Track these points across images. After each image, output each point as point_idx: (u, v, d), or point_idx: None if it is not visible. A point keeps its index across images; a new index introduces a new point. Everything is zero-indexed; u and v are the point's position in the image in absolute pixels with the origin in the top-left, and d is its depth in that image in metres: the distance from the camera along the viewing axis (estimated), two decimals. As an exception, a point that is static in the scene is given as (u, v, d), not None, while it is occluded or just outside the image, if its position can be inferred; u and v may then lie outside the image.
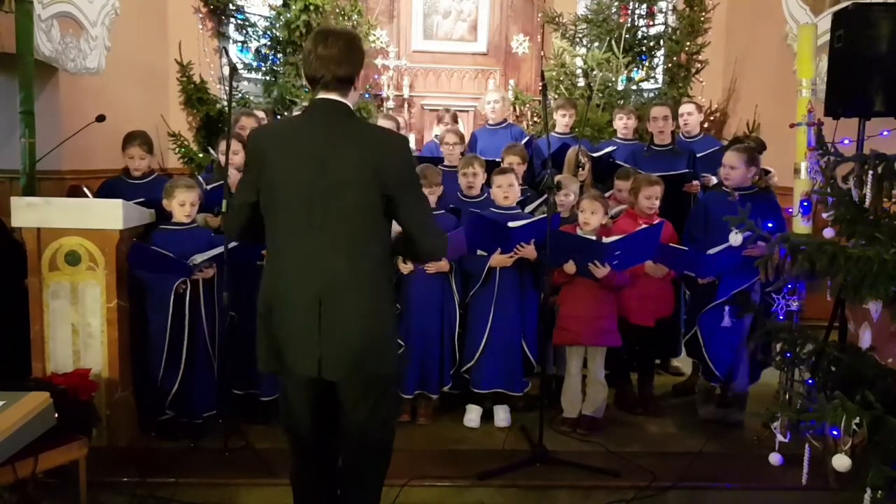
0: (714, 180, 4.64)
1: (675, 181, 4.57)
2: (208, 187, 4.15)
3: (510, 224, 3.79)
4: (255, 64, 7.26)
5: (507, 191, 4.00)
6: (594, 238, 3.82)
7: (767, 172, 4.73)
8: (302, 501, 2.59)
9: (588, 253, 3.75)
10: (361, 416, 2.44)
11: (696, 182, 4.78)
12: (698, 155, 4.95)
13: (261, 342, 2.44)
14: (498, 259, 3.89)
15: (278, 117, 6.44)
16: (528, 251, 3.87)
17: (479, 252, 3.93)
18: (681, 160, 4.88)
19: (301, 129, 2.40)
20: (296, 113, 6.36)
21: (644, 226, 3.95)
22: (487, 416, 4.08)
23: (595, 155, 4.95)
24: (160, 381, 3.62)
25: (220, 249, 3.53)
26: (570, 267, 3.79)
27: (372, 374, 2.41)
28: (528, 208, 4.35)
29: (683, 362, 4.90)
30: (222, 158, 3.71)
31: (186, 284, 3.62)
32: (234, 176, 3.74)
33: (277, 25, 6.99)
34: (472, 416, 4.05)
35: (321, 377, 2.35)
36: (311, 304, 2.30)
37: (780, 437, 2.79)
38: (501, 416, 4.03)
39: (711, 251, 3.87)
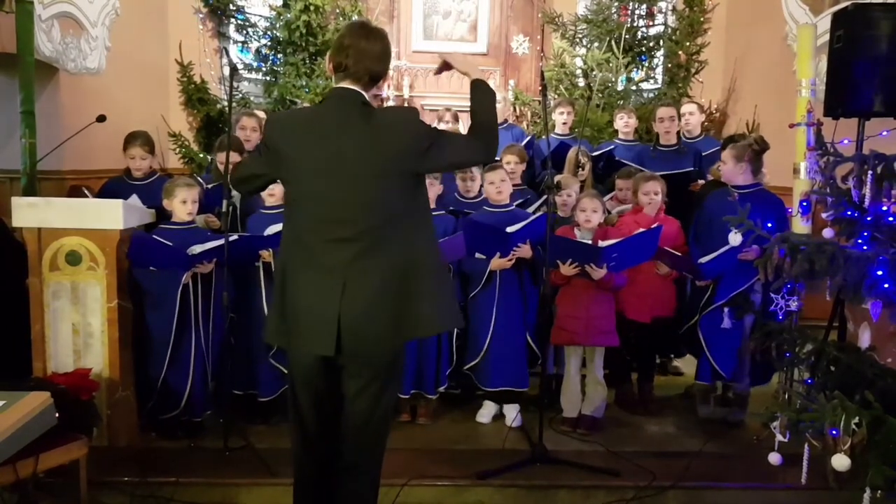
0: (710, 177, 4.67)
1: (680, 180, 4.57)
2: (208, 186, 4.16)
3: (508, 229, 3.80)
4: (255, 64, 7.25)
5: (499, 186, 4.01)
6: (589, 242, 3.82)
7: None
8: (302, 494, 2.59)
9: (584, 256, 3.76)
10: (366, 402, 2.45)
11: (700, 181, 4.79)
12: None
13: (270, 316, 2.52)
14: (498, 263, 3.90)
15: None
16: (524, 251, 3.88)
17: (478, 255, 3.94)
18: (686, 160, 4.88)
19: (317, 121, 2.41)
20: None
21: (641, 229, 3.94)
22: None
23: (595, 154, 4.96)
24: (161, 380, 3.62)
25: (220, 242, 3.53)
26: (567, 269, 3.79)
27: (382, 358, 2.44)
28: (531, 209, 4.35)
29: (683, 362, 4.91)
30: (219, 158, 3.71)
31: (189, 279, 3.62)
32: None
33: (278, 26, 6.99)
34: (486, 411, 4.07)
35: (334, 359, 2.38)
36: (332, 290, 2.32)
37: (779, 437, 2.79)
38: (511, 415, 4.02)
39: (704, 259, 3.87)
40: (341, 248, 2.34)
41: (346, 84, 2.39)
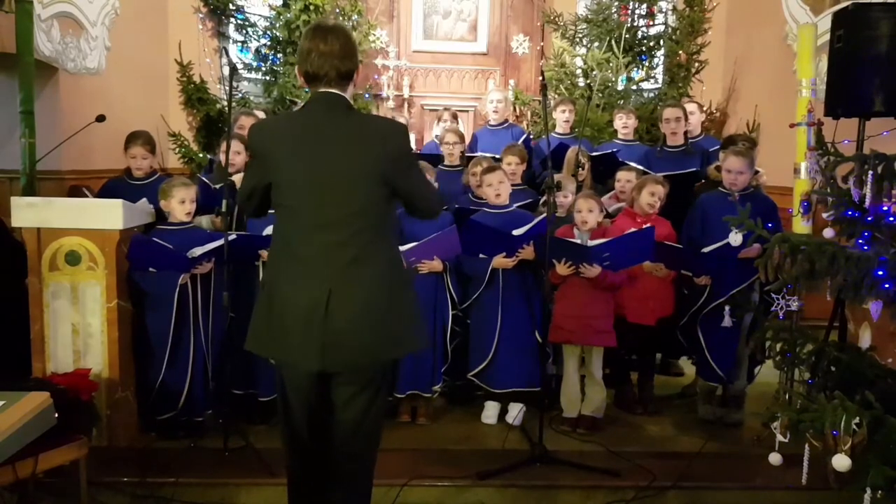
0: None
1: (687, 180, 4.56)
2: (216, 186, 4.14)
3: (515, 232, 3.80)
4: (255, 64, 7.26)
5: (498, 188, 4.00)
6: (580, 242, 3.82)
7: (756, 172, 4.73)
8: (297, 500, 2.59)
9: (577, 256, 3.76)
10: (356, 410, 2.44)
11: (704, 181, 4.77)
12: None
13: (255, 325, 2.46)
14: (500, 262, 3.89)
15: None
16: (527, 252, 3.88)
17: (482, 255, 3.93)
18: (693, 160, 4.85)
19: (303, 126, 2.40)
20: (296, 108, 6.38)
21: (633, 229, 3.94)
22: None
23: (594, 154, 4.95)
24: (160, 380, 3.62)
25: (220, 242, 3.53)
26: (563, 269, 3.79)
27: (372, 368, 2.43)
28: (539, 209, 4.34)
29: (683, 362, 4.91)
30: (223, 157, 3.71)
31: (186, 280, 3.62)
32: (236, 178, 3.75)
33: (277, 25, 6.99)
34: (490, 412, 4.06)
35: (323, 370, 2.36)
36: (318, 300, 2.30)
37: (779, 437, 2.78)
38: (514, 413, 4.01)
39: (706, 249, 3.87)
40: (331, 253, 2.33)
41: (322, 88, 2.38)
